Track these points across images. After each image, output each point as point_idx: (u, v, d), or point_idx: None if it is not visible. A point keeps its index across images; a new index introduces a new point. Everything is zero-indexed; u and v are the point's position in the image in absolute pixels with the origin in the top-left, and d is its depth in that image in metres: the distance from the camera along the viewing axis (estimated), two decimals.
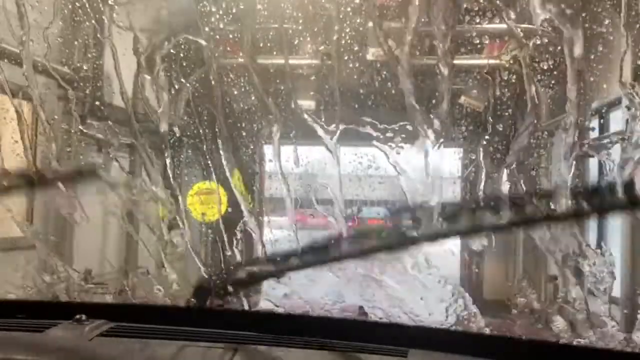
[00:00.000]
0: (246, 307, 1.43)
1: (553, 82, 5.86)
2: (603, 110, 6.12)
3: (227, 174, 2.87)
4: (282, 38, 5.55)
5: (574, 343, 1.45)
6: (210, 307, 1.42)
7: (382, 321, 1.43)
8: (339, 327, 1.41)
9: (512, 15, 2.46)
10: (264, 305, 1.54)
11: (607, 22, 5.18)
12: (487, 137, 8.78)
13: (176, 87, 7.10)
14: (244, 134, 8.14)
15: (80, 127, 4.80)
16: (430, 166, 2.41)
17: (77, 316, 1.33)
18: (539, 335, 1.76)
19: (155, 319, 1.37)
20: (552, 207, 1.40)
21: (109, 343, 1.29)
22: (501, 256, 8.93)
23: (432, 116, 2.35)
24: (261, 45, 6.70)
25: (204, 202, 6.47)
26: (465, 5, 6.12)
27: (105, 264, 5.99)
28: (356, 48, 6.35)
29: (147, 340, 1.30)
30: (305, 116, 2.84)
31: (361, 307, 1.59)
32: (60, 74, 4.74)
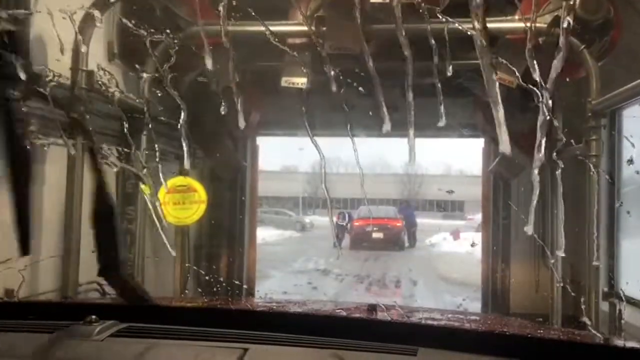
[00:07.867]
0: (256, 307, 1.80)
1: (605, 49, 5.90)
2: None
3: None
4: None
5: (588, 341, 1.80)
6: (220, 307, 1.78)
7: (392, 320, 1.79)
8: (349, 325, 1.78)
9: None
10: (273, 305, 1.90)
11: None
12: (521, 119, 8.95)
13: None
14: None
15: None
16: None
17: (88, 317, 1.69)
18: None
19: (165, 319, 1.73)
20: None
21: (120, 344, 1.64)
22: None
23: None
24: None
25: (178, 201, 6.77)
26: None
27: (38, 279, 5.85)
28: None
29: (158, 340, 1.66)
30: None
31: (371, 306, 1.94)
32: None
